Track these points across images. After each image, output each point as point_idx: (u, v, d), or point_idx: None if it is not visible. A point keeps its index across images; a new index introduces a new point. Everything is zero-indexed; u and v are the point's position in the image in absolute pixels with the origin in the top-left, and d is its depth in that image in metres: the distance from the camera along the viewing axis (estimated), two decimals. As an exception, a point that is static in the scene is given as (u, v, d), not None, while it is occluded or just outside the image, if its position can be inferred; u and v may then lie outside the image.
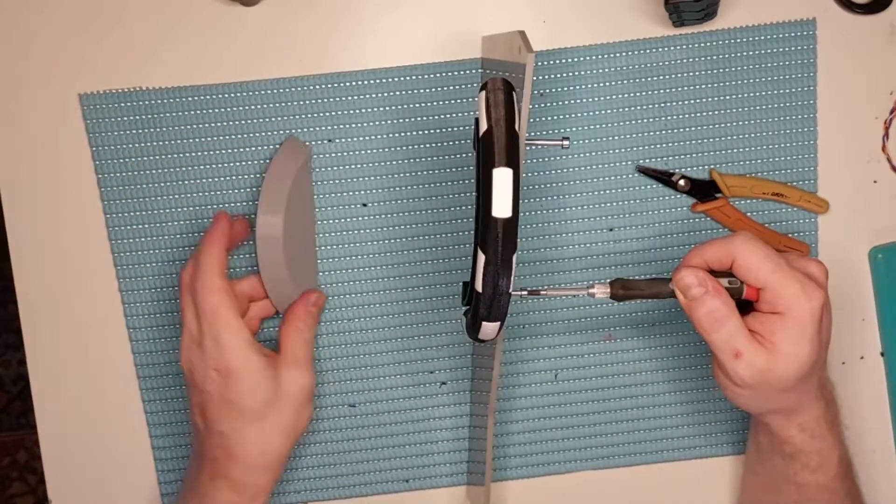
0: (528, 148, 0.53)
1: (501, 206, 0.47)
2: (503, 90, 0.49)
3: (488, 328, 0.51)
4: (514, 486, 0.73)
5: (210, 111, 0.67)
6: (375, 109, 0.68)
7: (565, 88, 0.67)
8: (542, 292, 0.57)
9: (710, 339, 0.54)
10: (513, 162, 0.47)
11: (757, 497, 0.66)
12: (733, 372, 0.54)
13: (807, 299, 0.53)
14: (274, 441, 0.61)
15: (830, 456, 0.60)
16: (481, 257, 0.48)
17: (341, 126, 0.68)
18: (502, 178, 0.47)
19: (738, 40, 0.67)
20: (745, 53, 0.67)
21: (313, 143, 0.68)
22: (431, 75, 0.67)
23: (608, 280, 0.56)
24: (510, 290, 0.49)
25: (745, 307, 0.55)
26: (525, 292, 0.57)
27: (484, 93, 0.49)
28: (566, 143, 0.53)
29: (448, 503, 0.74)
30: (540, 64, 0.67)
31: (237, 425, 0.60)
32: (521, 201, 0.48)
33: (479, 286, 0.49)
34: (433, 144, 0.68)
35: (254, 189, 0.68)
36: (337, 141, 0.68)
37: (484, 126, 0.48)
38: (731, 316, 0.54)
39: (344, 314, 0.70)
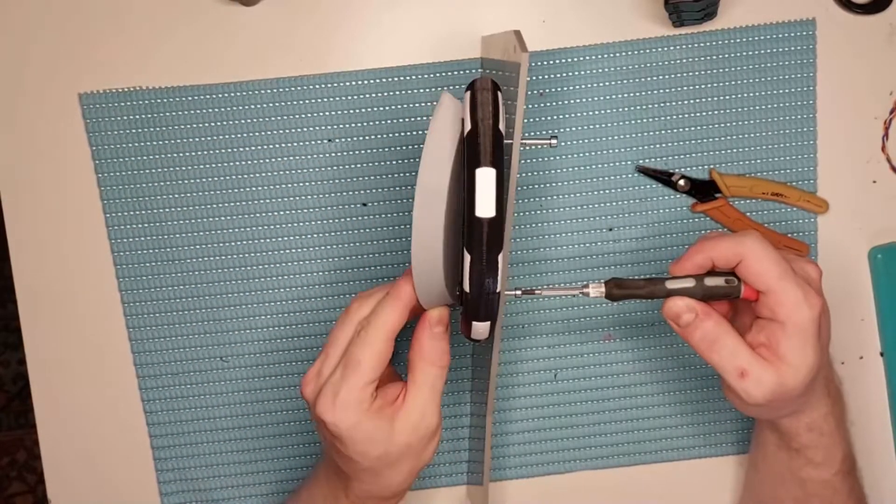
0: (522, 148, 0.53)
1: (485, 206, 0.47)
2: (489, 90, 0.49)
3: (479, 328, 0.51)
4: (513, 486, 0.73)
5: (210, 111, 0.67)
6: (375, 109, 0.68)
7: (565, 88, 0.67)
8: (536, 292, 0.57)
9: (712, 360, 0.54)
10: (496, 162, 0.47)
11: (759, 492, 0.66)
12: (744, 393, 0.53)
13: (808, 307, 0.53)
14: (393, 482, 0.57)
15: (835, 452, 0.60)
16: (467, 257, 0.48)
17: (340, 126, 0.68)
18: (485, 178, 0.47)
19: (738, 40, 0.67)
20: (744, 53, 0.67)
21: (312, 142, 0.68)
22: (431, 75, 0.67)
23: (603, 280, 0.56)
24: (498, 290, 0.49)
25: (745, 317, 0.55)
26: (519, 292, 0.57)
27: (469, 92, 0.49)
28: (554, 141, 0.53)
29: (448, 503, 0.74)
30: (539, 64, 0.67)
31: (352, 470, 0.57)
32: (514, 202, 0.48)
33: (466, 286, 0.49)
34: (433, 144, 0.68)
35: (253, 189, 0.68)
36: (337, 141, 0.68)
37: (468, 126, 0.48)
38: (728, 334, 0.53)
39: (343, 314, 0.70)
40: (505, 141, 0.48)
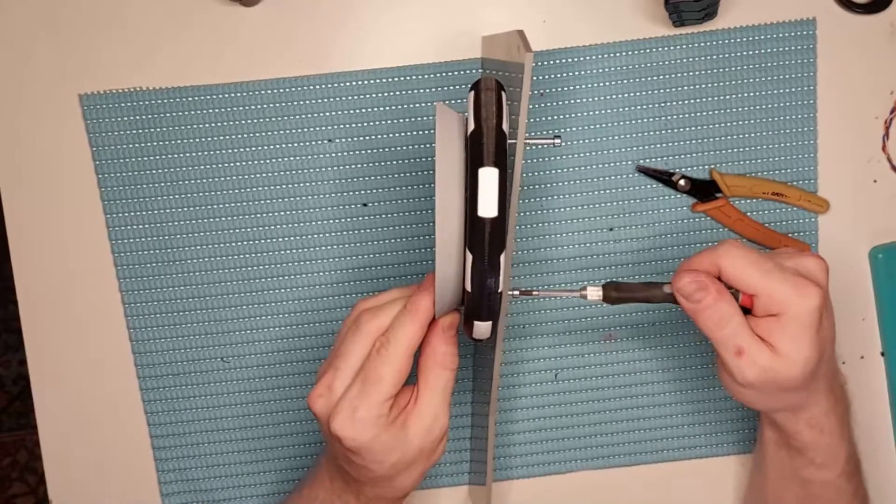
0: (525, 148, 0.53)
1: (487, 206, 0.47)
2: (493, 90, 0.49)
3: (481, 327, 0.51)
4: (515, 486, 0.73)
5: (210, 111, 0.67)
6: (375, 109, 0.68)
7: (565, 88, 0.67)
8: (534, 293, 0.57)
9: (714, 336, 0.54)
10: (499, 162, 0.47)
11: (762, 492, 0.66)
12: (737, 371, 0.54)
13: (801, 299, 0.52)
14: (406, 484, 0.57)
15: (837, 453, 0.60)
16: (469, 257, 0.48)
17: (341, 126, 0.68)
18: (488, 177, 0.47)
19: (738, 40, 0.67)
20: (745, 53, 0.67)
21: (313, 143, 0.68)
22: (431, 75, 0.67)
23: (601, 282, 0.56)
24: (499, 290, 0.49)
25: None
26: (517, 293, 0.57)
27: (473, 92, 0.50)
28: (558, 141, 0.53)
29: (450, 503, 0.74)
30: (539, 64, 0.67)
31: (366, 477, 0.57)
32: (517, 201, 0.48)
33: (468, 286, 0.49)
34: (433, 144, 0.68)
35: (253, 189, 0.68)
36: (337, 141, 0.68)
37: (472, 126, 0.48)
38: (735, 314, 0.53)
39: (345, 314, 0.70)
40: (508, 141, 0.48)
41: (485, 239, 0.47)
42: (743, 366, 0.53)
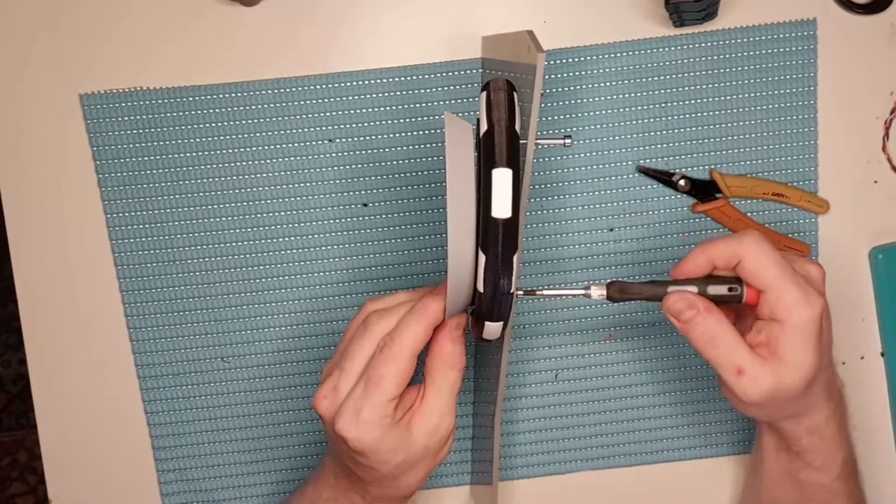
0: (535, 147, 0.53)
1: (501, 207, 0.47)
2: (504, 90, 0.49)
3: (492, 328, 0.51)
4: (515, 486, 0.73)
5: (210, 111, 0.67)
6: (375, 109, 0.68)
7: (566, 88, 0.67)
8: (538, 292, 0.57)
9: (709, 357, 0.54)
10: (513, 162, 0.47)
11: (758, 493, 0.66)
12: (740, 391, 0.53)
13: (808, 306, 0.52)
14: (411, 483, 0.57)
15: (835, 456, 0.60)
16: (482, 258, 0.48)
17: (341, 126, 0.68)
18: (502, 178, 0.47)
19: (739, 40, 0.67)
20: (745, 53, 0.67)
21: (313, 143, 0.68)
22: (431, 75, 0.67)
23: (605, 281, 0.56)
24: (512, 291, 0.49)
25: (746, 320, 0.55)
26: (521, 293, 0.57)
27: (485, 93, 0.50)
28: (568, 141, 0.53)
29: (452, 503, 0.74)
30: (540, 64, 0.67)
31: (371, 477, 0.57)
32: (524, 201, 0.48)
33: (480, 287, 0.49)
34: (433, 144, 0.68)
35: (253, 189, 0.68)
36: (337, 141, 0.68)
37: (484, 126, 0.48)
38: (727, 333, 0.53)
39: (345, 314, 0.70)
40: (520, 141, 0.48)
41: (498, 240, 0.47)
42: (745, 385, 0.53)
